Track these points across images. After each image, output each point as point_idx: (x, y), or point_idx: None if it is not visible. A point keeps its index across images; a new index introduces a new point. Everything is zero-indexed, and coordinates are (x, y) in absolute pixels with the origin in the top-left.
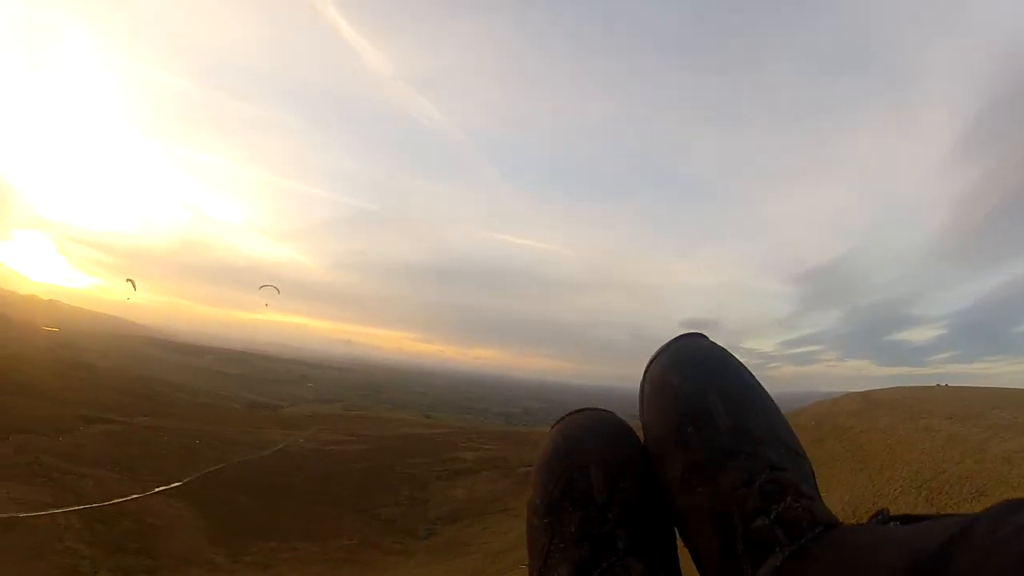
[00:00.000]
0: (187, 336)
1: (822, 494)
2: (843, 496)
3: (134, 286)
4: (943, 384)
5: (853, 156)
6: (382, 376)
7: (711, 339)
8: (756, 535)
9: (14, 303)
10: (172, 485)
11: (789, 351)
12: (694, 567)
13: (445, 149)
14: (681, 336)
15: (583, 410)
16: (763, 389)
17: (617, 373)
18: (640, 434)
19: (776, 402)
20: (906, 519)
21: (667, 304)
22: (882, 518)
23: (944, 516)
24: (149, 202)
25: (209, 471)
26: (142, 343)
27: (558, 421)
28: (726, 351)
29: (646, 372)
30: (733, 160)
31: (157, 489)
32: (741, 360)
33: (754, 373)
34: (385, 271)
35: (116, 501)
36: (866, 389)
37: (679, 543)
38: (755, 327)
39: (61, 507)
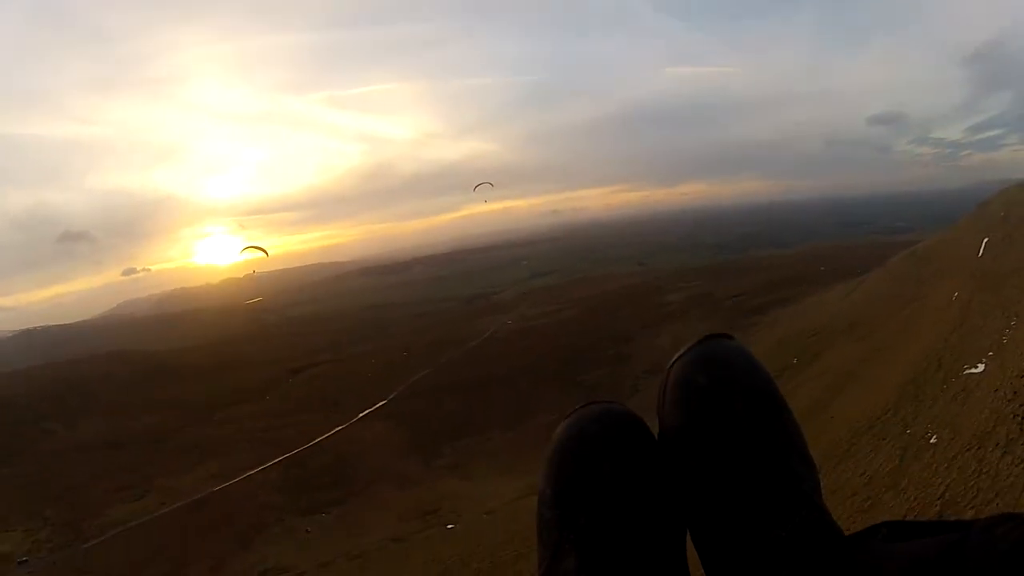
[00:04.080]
0: (397, 255)
1: None
2: None
3: (265, 252)
4: None
5: None
6: (595, 235)
7: (739, 341)
8: (773, 545)
9: (210, 293)
10: (376, 407)
11: (974, 137)
12: (701, 563)
13: (600, 2)
14: (709, 336)
15: (594, 403)
16: (781, 394)
17: (819, 184)
18: (649, 427)
19: (966, 196)
20: (906, 529)
21: (851, 105)
22: (884, 535)
23: (942, 525)
24: (320, 152)
25: (415, 380)
26: (352, 277)
27: (569, 414)
28: (751, 354)
29: (670, 368)
30: None
31: (360, 415)
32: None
33: (943, 164)
34: (574, 134)
35: (317, 440)
36: None
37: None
38: (939, 116)
39: (261, 465)
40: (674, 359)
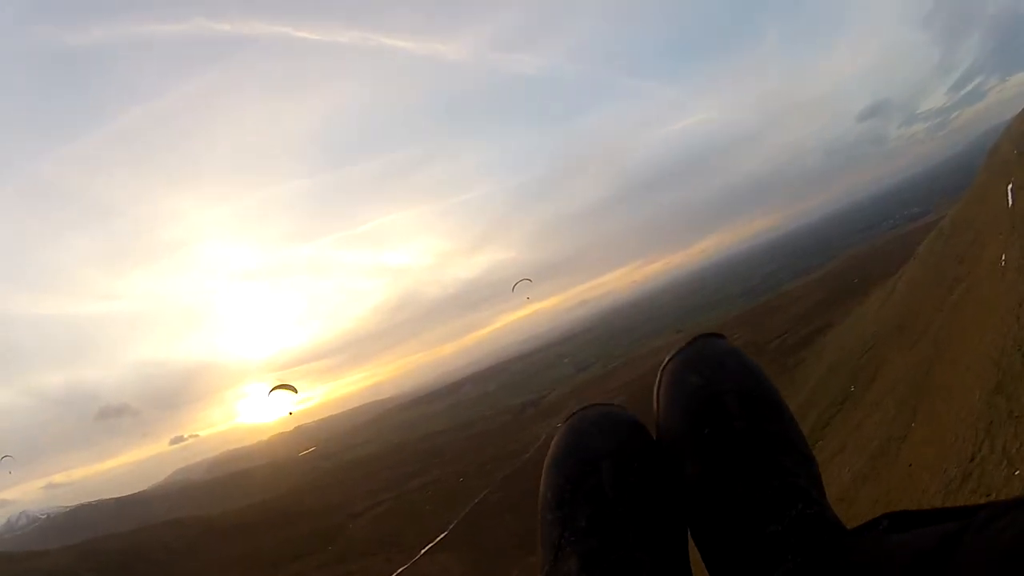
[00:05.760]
0: (441, 380)
1: None
2: None
3: (294, 389)
4: None
5: None
6: (628, 315)
7: (729, 340)
8: (769, 541)
9: (263, 450)
10: (436, 540)
11: (960, 94)
12: (703, 561)
13: (567, 86)
14: (700, 336)
15: (593, 406)
16: (776, 390)
17: (828, 197)
18: (649, 429)
19: (970, 156)
20: (908, 519)
21: (834, 108)
22: (885, 527)
23: (945, 514)
24: (343, 294)
25: (474, 503)
26: (400, 410)
27: (568, 417)
28: (743, 353)
29: (663, 369)
30: None
31: (422, 551)
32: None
33: (938, 134)
34: (581, 221)
35: None
36: None
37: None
38: (921, 87)
39: None
40: (667, 360)
